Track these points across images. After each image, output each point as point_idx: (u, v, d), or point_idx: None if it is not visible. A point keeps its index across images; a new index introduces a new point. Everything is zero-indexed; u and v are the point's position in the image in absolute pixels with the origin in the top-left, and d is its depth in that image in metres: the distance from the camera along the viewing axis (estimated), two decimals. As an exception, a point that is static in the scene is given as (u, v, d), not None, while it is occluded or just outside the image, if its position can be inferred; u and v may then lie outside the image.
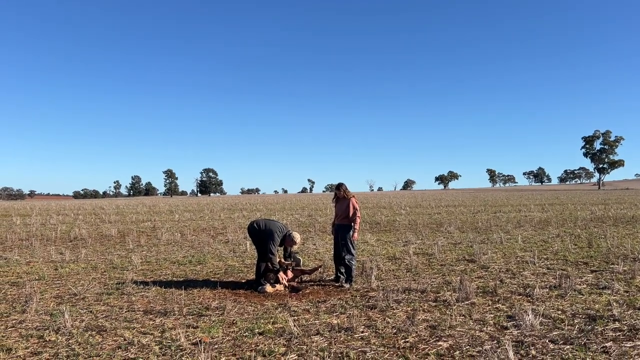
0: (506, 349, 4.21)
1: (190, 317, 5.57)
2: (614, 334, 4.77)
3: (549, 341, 4.58)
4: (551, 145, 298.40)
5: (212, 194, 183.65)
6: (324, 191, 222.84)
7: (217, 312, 5.77)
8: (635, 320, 5.17)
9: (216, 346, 4.59)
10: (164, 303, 6.18)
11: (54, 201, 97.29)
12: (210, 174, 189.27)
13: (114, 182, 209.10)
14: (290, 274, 7.34)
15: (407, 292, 6.60)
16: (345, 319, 5.35)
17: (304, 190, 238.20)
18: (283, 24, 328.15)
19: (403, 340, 4.67)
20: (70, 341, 4.77)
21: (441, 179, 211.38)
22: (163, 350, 4.50)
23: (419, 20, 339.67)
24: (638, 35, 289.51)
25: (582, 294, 6.37)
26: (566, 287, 6.57)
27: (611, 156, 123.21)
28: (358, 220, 7.30)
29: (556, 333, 4.80)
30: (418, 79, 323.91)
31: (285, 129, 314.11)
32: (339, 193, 7.46)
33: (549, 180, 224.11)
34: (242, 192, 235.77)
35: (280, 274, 7.11)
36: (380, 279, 7.60)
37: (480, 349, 4.41)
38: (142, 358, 4.32)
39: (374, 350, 4.42)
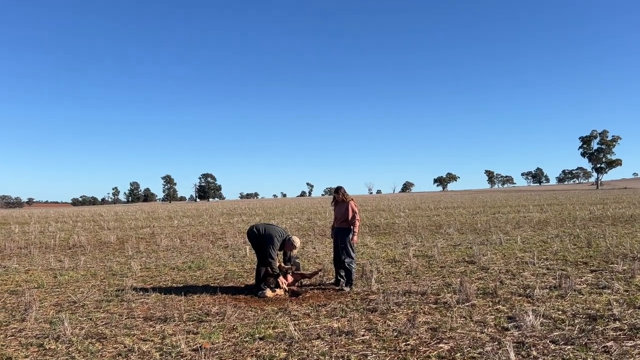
0: (507, 350, 4.21)
1: (191, 323, 5.56)
2: (614, 334, 4.77)
3: (550, 342, 4.58)
4: (549, 145, 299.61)
5: (210, 199, 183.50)
6: (322, 195, 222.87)
7: (217, 317, 5.76)
8: (635, 319, 5.17)
9: (217, 352, 4.57)
10: (164, 309, 6.17)
11: (52, 209, 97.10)
12: (209, 179, 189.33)
13: (113, 189, 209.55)
14: (290, 278, 7.33)
15: (408, 295, 6.60)
16: (346, 323, 5.35)
17: (302, 194, 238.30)
18: (280, 27, 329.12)
19: (404, 343, 4.66)
20: (70, 349, 4.75)
21: (440, 181, 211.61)
22: (163, 356, 4.49)
23: (419, 20, 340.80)
24: (634, 34, 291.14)
25: (582, 294, 6.37)
26: (566, 287, 6.57)
27: (609, 156, 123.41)
28: (357, 223, 7.30)
29: (557, 333, 4.80)
30: (417, 80, 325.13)
31: (283, 133, 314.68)
32: (338, 196, 7.46)
33: (547, 180, 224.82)
34: (241, 196, 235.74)
35: (280, 278, 7.10)
36: (380, 281, 7.59)
37: (482, 350, 4.41)
38: (142, 365, 4.31)
39: (375, 354, 4.41)
